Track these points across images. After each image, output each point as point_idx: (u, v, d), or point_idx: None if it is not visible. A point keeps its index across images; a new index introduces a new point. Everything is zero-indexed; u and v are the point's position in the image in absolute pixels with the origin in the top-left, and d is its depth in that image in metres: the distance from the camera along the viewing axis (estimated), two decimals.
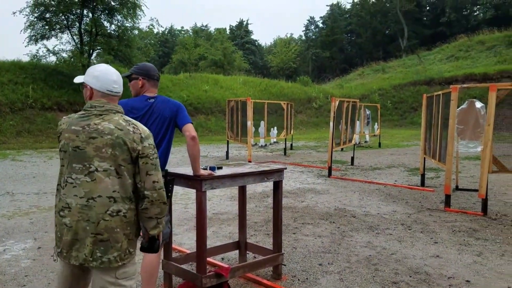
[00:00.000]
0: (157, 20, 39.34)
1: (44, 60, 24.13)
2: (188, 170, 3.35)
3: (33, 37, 23.19)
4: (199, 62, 45.78)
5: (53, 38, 23.92)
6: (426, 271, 4.04)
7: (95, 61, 29.51)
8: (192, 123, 3.20)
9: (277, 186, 3.78)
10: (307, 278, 3.86)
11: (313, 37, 66.01)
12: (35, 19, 23.05)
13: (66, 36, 29.52)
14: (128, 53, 24.93)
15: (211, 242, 4.73)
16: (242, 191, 4.13)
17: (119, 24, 24.93)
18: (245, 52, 57.19)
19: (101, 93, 2.24)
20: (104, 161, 2.13)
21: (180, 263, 3.70)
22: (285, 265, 4.05)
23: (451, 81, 30.30)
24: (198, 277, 3.26)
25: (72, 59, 23.06)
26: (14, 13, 23.10)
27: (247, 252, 4.25)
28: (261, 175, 3.62)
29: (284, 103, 16.43)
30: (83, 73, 2.37)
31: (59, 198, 2.19)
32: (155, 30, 47.93)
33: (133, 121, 2.28)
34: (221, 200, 7.38)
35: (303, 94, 33.52)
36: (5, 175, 10.23)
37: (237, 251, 4.29)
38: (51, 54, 24.21)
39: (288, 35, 68.98)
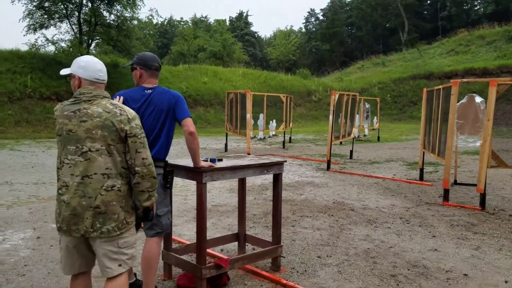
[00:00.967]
0: (156, 11, 39.25)
1: (43, 49, 24.00)
2: (188, 162, 3.35)
3: (32, 26, 23.07)
4: (199, 53, 45.58)
5: (52, 28, 23.87)
6: (424, 265, 4.07)
7: (94, 51, 29.41)
8: (191, 116, 3.16)
9: (277, 179, 3.79)
10: (305, 270, 3.88)
11: (313, 29, 65.79)
12: (34, 8, 22.91)
13: (65, 26, 29.47)
14: (127, 43, 24.83)
15: (210, 234, 4.74)
16: (242, 183, 4.13)
17: (118, 14, 24.80)
18: (244, 44, 56.96)
19: (89, 81, 2.47)
20: (95, 142, 2.36)
21: (180, 254, 3.72)
22: (284, 257, 4.07)
23: (451, 75, 30.30)
24: (198, 268, 3.28)
25: (71, 48, 22.94)
26: (12, 1, 22.96)
27: (246, 244, 4.27)
28: (261, 168, 3.62)
29: (284, 96, 16.41)
30: None
31: (58, 178, 2.42)
32: (155, 21, 47.67)
33: (120, 104, 2.49)
34: (220, 192, 7.39)
35: (303, 87, 33.47)
36: (3, 165, 10.22)
37: (236, 243, 4.31)
38: (50, 44, 24.07)
39: (288, 27, 68.56)
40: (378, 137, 18.88)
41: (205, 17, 66.26)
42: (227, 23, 60.57)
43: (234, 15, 66.61)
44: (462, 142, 8.20)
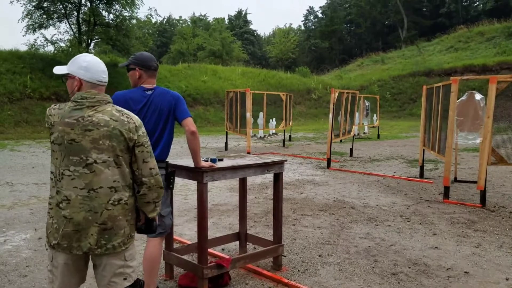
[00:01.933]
0: (155, 10, 39.31)
1: (42, 49, 24.04)
2: (189, 162, 3.36)
3: (31, 26, 23.06)
4: (198, 52, 45.56)
5: (51, 27, 23.90)
6: (425, 262, 4.08)
7: (93, 51, 29.38)
8: (191, 116, 3.16)
9: (278, 178, 3.79)
10: (307, 269, 3.89)
11: (312, 27, 65.65)
12: (33, 8, 22.90)
13: (64, 26, 29.51)
14: (126, 42, 24.81)
15: (211, 233, 4.75)
16: (242, 182, 4.14)
17: (117, 13, 24.78)
18: (243, 43, 56.89)
19: (91, 84, 2.24)
20: (102, 153, 2.17)
21: (181, 254, 3.72)
22: (285, 256, 4.07)
23: (450, 72, 30.26)
24: (199, 268, 3.29)
25: (70, 48, 22.96)
26: (11, 1, 22.94)
27: (247, 243, 4.28)
28: (262, 167, 3.63)
29: (283, 94, 16.41)
30: None
31: (57, 191, 2.20)
32: (153, 20, 47.58)
33: (125, 110, 2.31)
34: (221, 191, 7.40)
35: (302, 85, 33.45)
36: (4, 165, 10.23)
37: (237, 242, 4.31)
38: (49, 44, 24.12)
39: (287, 25, 68.49)
40: (378, 135, 18.88)
41: (204, 15, 66.15)
42: (226, 21, 60.52)
43: (233, 13, 66.50)
44: (462, 139, 8.22)
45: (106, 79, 2.32)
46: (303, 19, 69.20)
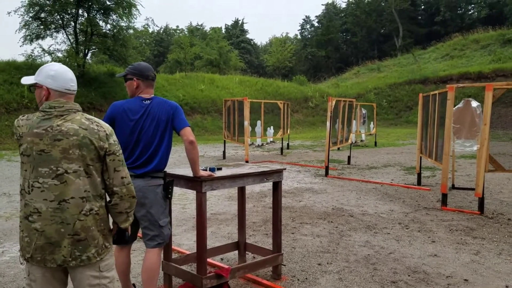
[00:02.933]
0: (152, 20, 39.44)
1: (39, 60, 24.04)
2: (187, 171, 3.36)
3: (28, 37, 23.09)
4: (195, 61, 45.69)
5: (48, 38, 24.01)
6: (425, 270, 4.07)
7: (90, 61, 29.43)
8: (189, 126, 3.16)
9: (277, 187, 3.80)
10: (306, 278, 3.88)
11: (309, 36, 66.01)
12: (30, 19, 22.93)
13: (61, 36, 29.60)
14: (123, 52, 24.86)
15: (210, 243, 4.74)
16: (241, 191, 4.14)
17: (114, 23, 24.84)
18: (240, 52, 57.14)
19: (59, 93, 2.21)
20: (72, 163, 2.13)
21: (180, 264, 3.71)
22: (284, 265, 4.06)
23: (446, 80, 30.47)
24: (199, 278, 3.27)
25: (67, 59, 22.94)
26: (9, 13, 23.00)
27: (247, 252, 4.27)
28: (261, 176, 3.63)
29: (281, 103, 16.45)
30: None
31: (25, 203, 2.15)
32: (151, 30, 47.80)
33: (95, 118, 2.27)
34: (219, 200, 7.39)
35: (299, 93, 33.54)
36: (1, 176, 10.19)
37: (236, 252, 4.30)
38: (46, 54, 24.13)
39: (284, 34, 68.76)
40: (375, 142, 18.92)
41: (201, 25, 66.45)
42: (223, 30, 60.75)
43: (229, 22, 66.83)
44: (459, 146, 8.23)
45: (75, 87, 2.28)
46: (299, 28, 69.41)
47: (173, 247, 4.28)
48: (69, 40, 24.38)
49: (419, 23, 55.40)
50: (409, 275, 3.95)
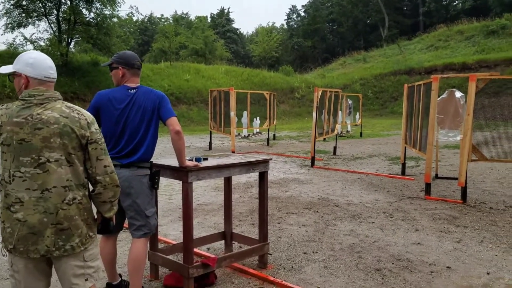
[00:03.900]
0: (136, 8, 38.87)
1: (21, 48, 23.58)
2: (173, 162, 3.34)
3: (10, 25, 22.63)
4: (180, 51, 45.31)
5: (30, 26, 23.49)
6: (408, 258, 4.14)
7: (73, 50, 28.96)
8: (176, 116, 3.14)
9: (263, 177, 3.81)
10: (292, 267, 3.91)
11: (295, 26, 65.88)
12: (11, 7, 22.46)
13: (43, 24, 29.08)
14: (107, 41, 24.52)
15: (196, 233, 4.74)
16: (228, 182, 4.14)
17: (98, 12, 24.46)
18: (226, 41, 56.76)
19: (38, 81, 2.18)
20: (54, 151, 2.11)
21: (166, 254, 3.71)
22: (270, 254, 4.09)
23: (430, 70, 30.75)
24: (185, 268, 3.28)
25: (50, 47, 22.55)
26: None
27: (233, 242, 4.28)
28: (247, 166, 3.63)
29: (267, 93, 16.44)
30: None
31: (5, 193, 2.12)
32: (135, 18, 47.24)
33: (76, 107, 2.24)
34: (205, 191, 7.38)
35: (286, 84, 33.55)
36: None
37: (222, 241, 4.31)
38: (28, 43, 23.68)
39: (270, 24, 68.69)
40: (361, 133, 19.07)
41: (186, 14, 65.86)
42: (208, 20, 60.27)
43: (215, 11, 66.11)
44: (442, 136, 8.35)
45: (54, 75, 2.25)
46: (285, 17, 69.35)
47: (159, 237, 4.27)
48: (52, 28, 23.96)
49: (405, 13, 55.68)
50: (393, 263, 4.01)
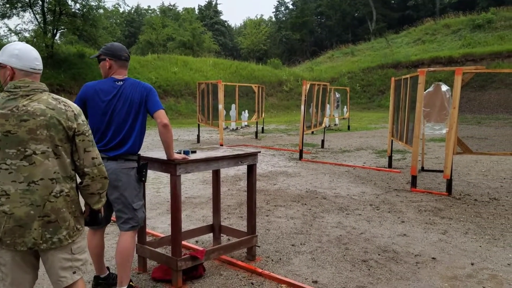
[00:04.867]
0: None
1: (6, 40, 23.21)
2: (161, 154, 3.34)
3: None
4: (167, 43, 44.96)
5: (15, 17, 23.15)
6: (394, 249, 4.20)
7: (59, 41, 28.55)
8: (163, 109, 3.11)
9: (251, 170, 3.82)
10: (280, 259, 3.94)
11: (283, 18, 65.76)
12: None
13: (28, 15, 28.56)
14: (93, 33, 24.25)
15: (184, 226, 4.74)
16: (216, 174, 4.14)
17: (84, 3, 24.14)
18: (214, 33, 56.47)
19: (24, 72, 2.16)
20: (40, 143, 2.09)
21: (155, 247, 3.71)
22: (259, 246, 4.11)
23: (417, 64, 30.98)
24: (173, 260, 3.28)
25: (35, 39, 22.21)
26: None
27: (221, 234, 4.30)
28: (235, 159, 3.64)
29: (255, 86, 16.41)
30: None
31: None
32: (121, 9, 46.70)
33: (62, 98, 2.23)
34: (194, 184, 7.38)
35: (274, 77, 33.53)
36: None
37: (211, 234, 4.32)
38: (13, 34, 23.33)
39: (258, 17, 68.50)
40: (348, 126, 19.18)
41: (173, 5, 65.26)
42: (196, 11, 59.83)
43: (203, 3, 65.83)
44: (429, 129, 8.44)
45: (40, 67, 2.23)
46: (274, 10, 69.17)
47: (147, 230, 4.26)
48: (37, 19, 23.59)
49: (392, 7, 55.89)
50: (379, 254, 4.06)
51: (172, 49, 42.41)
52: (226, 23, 67.21)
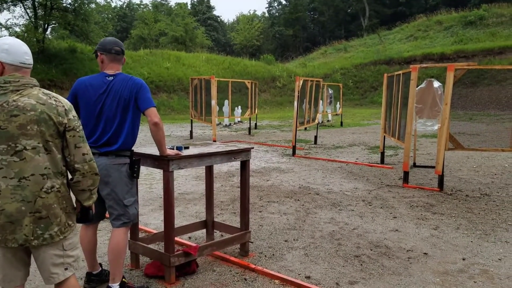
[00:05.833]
0: None
1: None
2: (154, 150, 3.32)
3: None
4: (160, 38, 44.71)
5: (5, 12, 22.81)
6: (386, 245, 4.22)
7: (50, 36, 28.27)
8: (155, 106, 3.06)
9: (244, 166, 3.81)
10: (273, 254, 3.95)
11: (276, 14, 65.65)
12: None
13: (19, 10, 28.26)
14: (85, 28, 24.03)
15: (177, 222, 4.72)
16: (209, 170, 4.13)
17: None
18: (207, 29, 56.23)
19: (14, 67, 2.14)
20: (31, 139, 2.08)
21: (147, 243, 3.70)
22: (252, 242, 4.12)
23: (410, 60, 31.09)
24: (166, 256, 3.28)
25: (26, 34, 21.97)
26: None
27: (215, 230, 4.29)
28: (229, 155, 3.63)
29: (249, 82, 16.38)
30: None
31: None
32: (113, 4, 46.37)
33: (53, 93, 2.21)
34: (187, 180, 7.36)
35: (267, 72, 33.48)
36: None
37: (204, 230, 4.32)
38: (3, 29, 23.06)
39: (251, 12, 68.33)
40: (341, 122, 19.22)
41: (166, 0, 64.81)
42: (189, 6, 59.51)
43: None
44: (421, 126, 8.48)
45: (30, 61, 2.21)
46: (267, 5, 69.06)
47: (140, 226, 4.25)
48: (28, 14, 23.34)
49: (385, 3, 55.97)
50: (371, 250, 4.09)
51: (164, 44, 42.16)
52: (219, 19, 66.96)
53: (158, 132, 3.00)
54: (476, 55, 29.15)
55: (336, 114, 21.17)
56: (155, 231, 4.38)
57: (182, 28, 43.51)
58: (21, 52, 2.16)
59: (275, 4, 67.44)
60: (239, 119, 19.94)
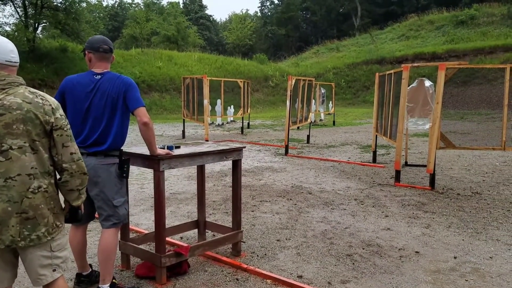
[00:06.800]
0: None
1: None
2: (144, 150, 3.28)
3: None
4: (152, 37, 44.46)
5: None
6: (378, 243, 4.22)
7: (41, 35, 28.03)
8: (144, 105, 3.01)
9: (236, 165, 3.79)
10: (265, 254, 3.94)
11: (269, 13, 65.64)
12: None
13: (9, 9, 28.02)
14: (76, 27, 23.86)
15: (169, 222, 4.70)
16: (201, 170, 4.11)
17: None
18: (199, 28, 56.05)
19: (0, 65, 2.10)
20: (17, 138, 2.04)
21: (138, 244, 3.67)
22: (244, 242, 4.10)
23: (401, 60, 31.22)
24: (157, 257, 3.25)
25: (16, 33, 21.76)
26: None
27: (206, 230, 4.27)
28: (220, 154, 3.61)
29: (241, 81, 16.36)
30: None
31: None
32: (104, 3, 46.03)
33: (40, 92, 2.17)
34: (178, 180, 7.32)
35: (260, 72, 33.47)
36: None
37: (196, 230, 4.29)
38: None
39: (244, 11, 68.20)
40: (334, 122, 19.27)
41: None
42: (181, 5, 59.27)
43: None
44: (412, 125, 8.52)
45: (16, 59, 2.17)
46: (259, 5, 69.01)
47: (131, 226, 4.22)
48: (18, 13, 23.13)
49: (377, 3, 56.15)
50: (363, 248, 4.09)
51: (156, 43, 41.93)
52: (211, 18, 66.79)
53: (148, 131, 2.96)
54: (467, 55, 29.35)
55: (329, 114, 21.21)
56: (146, 232, 4.34)
57: (174, 27, 43.31)
58: (7, 50, 2.11)
59: (268, 4, 67.44)
60: (231, 119, 19.91)
